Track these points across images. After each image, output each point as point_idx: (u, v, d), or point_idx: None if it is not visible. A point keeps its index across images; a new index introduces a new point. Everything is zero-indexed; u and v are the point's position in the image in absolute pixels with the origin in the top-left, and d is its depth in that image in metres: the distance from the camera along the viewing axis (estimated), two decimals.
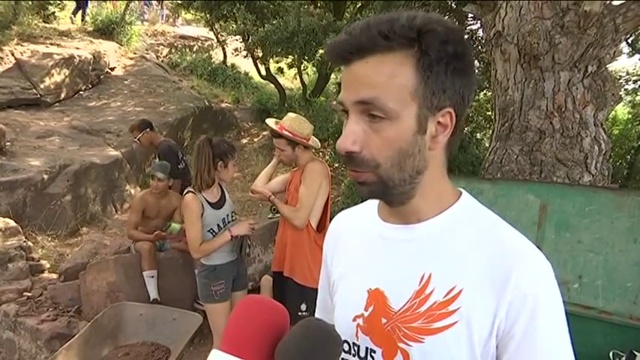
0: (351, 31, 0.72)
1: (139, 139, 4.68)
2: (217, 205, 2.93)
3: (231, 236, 2.86)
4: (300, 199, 2.70)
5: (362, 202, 0.96)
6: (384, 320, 0.80)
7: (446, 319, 0.75)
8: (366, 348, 0.83)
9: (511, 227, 0.80)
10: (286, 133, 2.76)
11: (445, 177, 0.83)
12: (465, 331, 0.74)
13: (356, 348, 0.85)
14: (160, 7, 15.86)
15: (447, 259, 0.78)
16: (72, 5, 12.20)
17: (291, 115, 2.94)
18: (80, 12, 11.83)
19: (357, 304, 0.84)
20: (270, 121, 2.92)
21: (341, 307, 0.89)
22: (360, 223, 0.93)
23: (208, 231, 2.88)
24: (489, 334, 0.73)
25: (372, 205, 0.93)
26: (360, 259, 0.88)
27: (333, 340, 0.69)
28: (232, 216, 3.02)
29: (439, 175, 0.81)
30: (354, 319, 0.85)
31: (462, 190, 0.86)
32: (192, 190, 2.86)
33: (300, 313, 2.71)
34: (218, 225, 2.90)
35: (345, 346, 0.86)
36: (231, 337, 0.68)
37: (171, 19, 16.33)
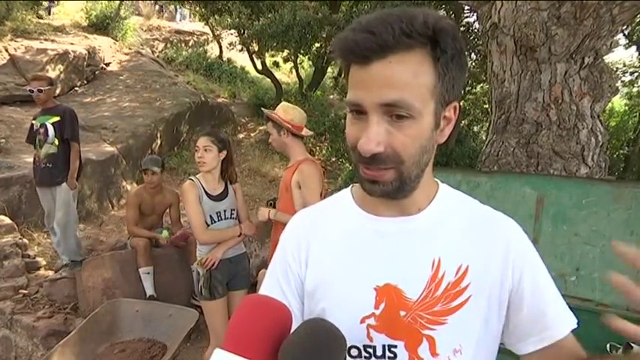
0: (370, 28, 0.69)
1: (41, 90, 4.20)
2: (216, 197, 2.94)
3: (240, 233, 2.97)
4: (307, 203, 2.69)
5: None
6: (402, 313, 0.80)
7: (461, 296, 0.80)
8: (383, 345, 0.82)
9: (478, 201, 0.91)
10: (273, 116, 2.81)
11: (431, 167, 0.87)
12: (478, 302, 0.80)
13: (370, 349, 0.82)
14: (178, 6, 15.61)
15: (449, 241, 0.83)
16: (67, 3, 12.06)
17: (283, 103, 2.98)
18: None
19: (363, 305, 0.82)
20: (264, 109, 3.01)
21: (340, 310, 0.83)
22: (339, 221, 0.90)
23: None
24: (499, 297, 0.81)
25: (341, 201, 0.92)
26: (355, 258, 0.85)
27: (337, 341, 0.69)
28: (232, 213, 3.01)
29: (431, 166, 0.84)
30: (362, 321, 0.82)
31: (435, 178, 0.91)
32: (192, 177, 2.93)
33: None
34: (211, 216, 2.90)
35: (354, 352, 0.83)
36: (235, 337, 0.67)
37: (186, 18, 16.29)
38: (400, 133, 0.72)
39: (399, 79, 0.69)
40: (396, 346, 0.81)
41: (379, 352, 0.82)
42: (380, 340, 0.82)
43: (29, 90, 4.25)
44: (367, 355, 0.82)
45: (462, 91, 0.79)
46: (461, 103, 9.13)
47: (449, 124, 0.80)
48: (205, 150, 2.86)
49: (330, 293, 0.86)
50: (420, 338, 0.80)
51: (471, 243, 0.83)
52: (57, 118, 4.24)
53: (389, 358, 0.81)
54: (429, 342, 0.80)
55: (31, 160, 5.83)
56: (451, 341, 0.80)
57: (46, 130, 4.20)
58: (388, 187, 0.76)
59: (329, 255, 0.88)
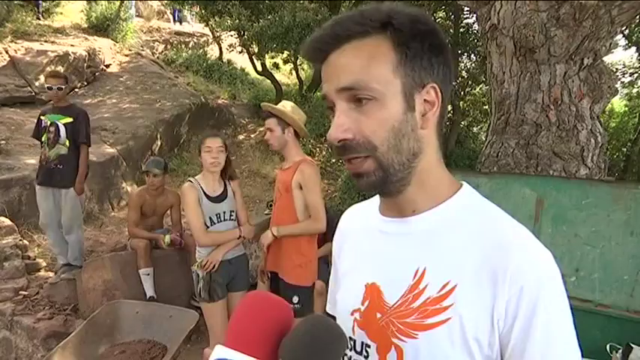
0: (324, 27, 0.75)
1: (58, 88, 4.14)
2: (215, 199, 2.95)
3: (240, 236, 2.97)
4: (313, 207, 2.74)
5: (359, 197, 0.96)
6: (378, 315, 0.80)
7: (439, 315, 0.73)
8: (362, 343, 0.83)
9: (511, 219, 0.78)
10: (285, 113, 2.80)
11: (442, 167, 0.82)
12: (458, 327, 0.71)
13: (352, 342, 0.84)
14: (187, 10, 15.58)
15: (441, 253, 0.76)
16: (67, 4, 12.06)
17: (287, 102, 3.00)
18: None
19: (354, 298, 0.85)
20: (265, 104, 3.01)
21: (341, 301, 0.90)
22: (363, 220, 0.93)
23: None
24: (489, 332, 0.71)
25: (376, 200, 0.92)
26: (362, 255, 0.88)
27: (337, 336, 0.69)
28: (231, 215, 3.01)
29: (435, 163, 0.80)
30: (352, 313, 0.85)
31: (463, 182, 0.84)
32: (191, 179, 2.95)
33: (292, 306, 2.70)
34: (210, 218, 2.91)
35: None
36: (236, 333, 0.68)
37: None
38: (367, 119, 0.72)
39: (354, 64, 0.71)
40: (369, 347, 0.81)
41: (358, 348, 0.83)
42: (360, 336, 0.83)
43: (47, 87, 4.18)
44: (350, 346, 0.85)
45: (449, 75, 0.72)
46: (460, 104, 9.15)
47: (432, 107, 0.75)
48: (219, 151, 2.90)
49: (342, 284, 0.93)
50: (390, 345, 0.78)
51: (470, 262, 0.73)
52: (70, 120, 4.17)
53: (364, 356, 0.83)
54: (397, 352, 0.76)
55: (32, 161, 5.86)
56: (419, 358, 0.74)
57: (58, 129, 4.14)
58: (372, 177, 0.75)
59: (352, 251, 0.93)
